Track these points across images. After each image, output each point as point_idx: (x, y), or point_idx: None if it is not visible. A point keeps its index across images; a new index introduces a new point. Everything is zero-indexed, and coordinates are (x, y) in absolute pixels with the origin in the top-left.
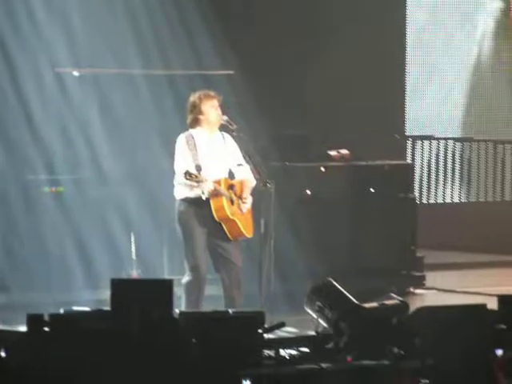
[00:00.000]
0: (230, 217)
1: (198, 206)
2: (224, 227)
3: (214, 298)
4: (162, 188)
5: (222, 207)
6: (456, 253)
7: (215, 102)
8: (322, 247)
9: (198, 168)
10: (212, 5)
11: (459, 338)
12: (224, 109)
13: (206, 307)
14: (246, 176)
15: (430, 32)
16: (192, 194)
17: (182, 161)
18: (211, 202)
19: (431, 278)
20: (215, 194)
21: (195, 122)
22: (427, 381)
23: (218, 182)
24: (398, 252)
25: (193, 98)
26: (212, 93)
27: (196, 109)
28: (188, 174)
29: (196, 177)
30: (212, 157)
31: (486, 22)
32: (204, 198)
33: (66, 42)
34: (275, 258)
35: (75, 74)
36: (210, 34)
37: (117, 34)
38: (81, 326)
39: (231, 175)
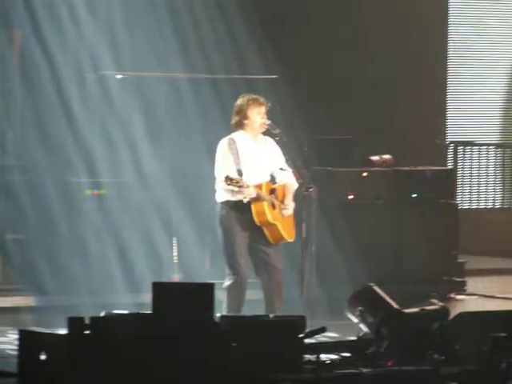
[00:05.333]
0: (271, 221)
1: (240, 209)
2: (265, 231)
3: (254, 303)
4: (204, 192)
5: (263, 212)
6: (497, 258)
7: (262, 109)
8: (363, 252)
9: (240, 173)
10: (255, 9)
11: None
12: (268, 113)
13: (247, 311)
14: (289, 180)
15: (472, 38)
16: (234, 197)
17: (224, 166)
18: (252, 206)
19: (472, 283)
20: (256, 198)
21: (239, 125)
22: None
23: (259, 187)
24: (439, 257)
25: (241, 100)
26: (261, 99)
27: (242, 112)
28: (229, 179)
29: (237, 182)
30: (254, 161)
31: None
32: (245, 201)
33: (109, 45)
34: (316, 262)
35: (118, 76)
36: (253, 38)
37: (160, 37)
38: (121, 330)
39: (273, 179)
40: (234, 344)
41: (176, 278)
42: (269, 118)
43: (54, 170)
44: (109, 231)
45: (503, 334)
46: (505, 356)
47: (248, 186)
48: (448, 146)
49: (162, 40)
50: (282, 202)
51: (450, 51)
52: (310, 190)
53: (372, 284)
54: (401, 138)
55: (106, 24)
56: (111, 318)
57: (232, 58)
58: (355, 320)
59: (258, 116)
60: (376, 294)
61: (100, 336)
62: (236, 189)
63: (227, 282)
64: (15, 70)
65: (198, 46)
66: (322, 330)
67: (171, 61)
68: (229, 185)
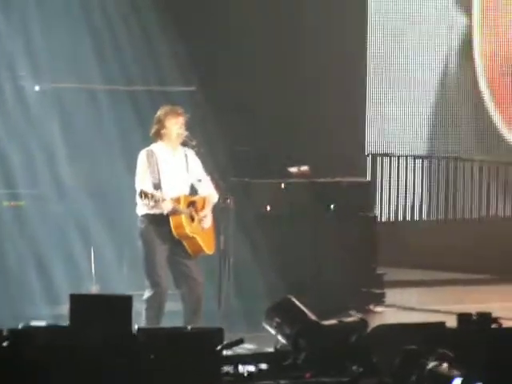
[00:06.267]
0: (190, 234)
1: (159, 223)
2: (185, 244)
3: (173, 314)
4: (122, 204)
5: (181, 225)
6: (416, 270)
7: (180, 120)
8: (281, 264)
9: (157, 186)
10: (174, 21)
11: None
12: (186, 125)
13: (166, 323)
14: (208, 191)
15: (392, 48)
16: (152, 211)
17: (141, 179)
18: (170, 219)
19: (391, 295)
20: (174, 211)
21: (157, 135)
22: None
23: (177, 200)
24: (357, 269)
25: (160, 111)
26: (179, 110)
27: (160, 122)
28: (143, 194)
29: (152, 196)
30: (173, 173)
31: (451, 37)
32: (165, 214)
33: (27, 56)
34: (234, 274)
35: (36, 88)
36: (171, 49)
37: (78, 49)
38: (39, 342)
39: (193, 190)
40: (152, 356)
41: (94, 289)
42: (187, 130)
43: None
44: (26, 242)
45: (414, 347)
46: (415, 368)
47: (164, 200)
48: (367, 157)
49: (81, 52)
50: (201, 214)
51: (370, 60)
52: (227, 201)
53: (290, 296)
54: (321, 149)
55: (23, 35)
56: (29, 330)
57: (150, 70)
58: (273, 332)
59: (175, 126)
60: (294, 306)
61: (18, 348)
62: (151, 203)
63: (147, 294)
64: None
65: (116, 57)
66: (240, 341)
67: (90, 73)
68: (143, 199)
